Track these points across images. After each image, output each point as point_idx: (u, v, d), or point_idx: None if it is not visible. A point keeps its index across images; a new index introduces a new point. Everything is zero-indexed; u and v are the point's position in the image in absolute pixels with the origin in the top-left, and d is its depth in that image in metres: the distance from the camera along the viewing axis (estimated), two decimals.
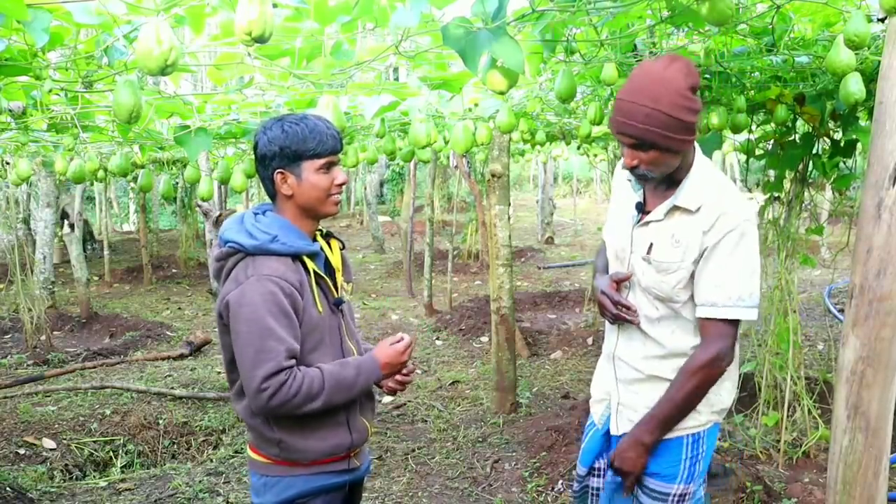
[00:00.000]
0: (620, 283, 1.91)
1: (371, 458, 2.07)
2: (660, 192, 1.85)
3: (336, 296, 1.88)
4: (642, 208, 1.88)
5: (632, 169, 1.75)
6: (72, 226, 7.78)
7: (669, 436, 1.86)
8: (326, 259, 1.88)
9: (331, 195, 1.81)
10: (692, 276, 1.79)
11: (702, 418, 1.89)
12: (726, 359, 1.80)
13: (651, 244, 1.82)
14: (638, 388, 1.92)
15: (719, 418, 1.94)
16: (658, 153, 1.70)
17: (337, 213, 1.88)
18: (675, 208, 1.79)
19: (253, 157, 1.85)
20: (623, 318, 1.87)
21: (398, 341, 1.91)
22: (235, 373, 1.81)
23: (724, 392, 1.92)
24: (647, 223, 1.84)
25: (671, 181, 1.81)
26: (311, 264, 1.80)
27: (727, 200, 1.76)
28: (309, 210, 1.82)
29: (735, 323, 1.78)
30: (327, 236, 1.95)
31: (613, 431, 1.99)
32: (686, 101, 1.65)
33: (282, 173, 1.78)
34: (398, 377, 1.94)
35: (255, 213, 1.83)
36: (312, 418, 1.78)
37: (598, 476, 2.02)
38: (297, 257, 1.78)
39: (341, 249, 1.98)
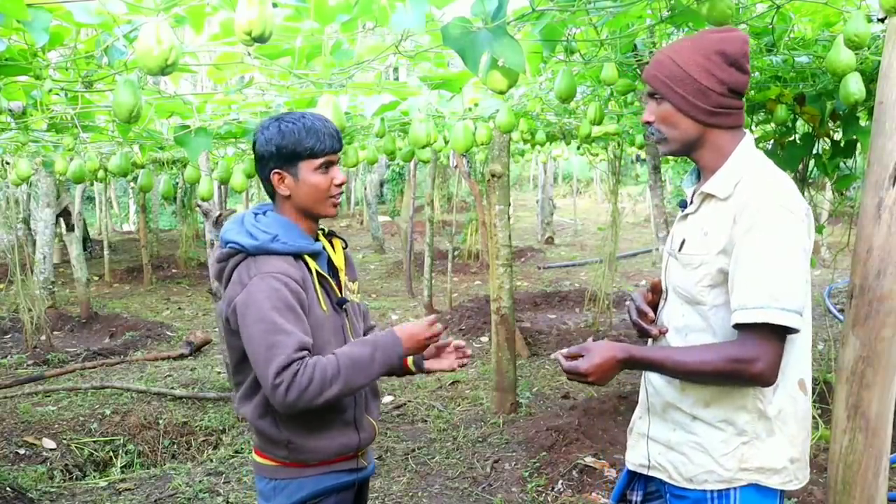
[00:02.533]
0: (654, 291, 1.79)
1: (374, 460, 2.06)
2: (701, 185, 1.71)
3: (339, 295, 1.86)
4: (686, 205, 1.74)
5: (647, 126, 1.68)
6: (71, 226, 7.77)
7: (690, 486, 1.66)
8: (329, 259, 1.86)
9: (330, 196, 1.79)
10: (722, 274, 1.58)
11: (725, 472, 1.61)
12: (761, 368, 1.49)
13: (683, 240, 1.68)
14: (667, 419, 1.71)
15: (762, 479, 1.61)
16: (671, 110, 1.61)
17: (336, 214, 1.86)
18: (706, 196, 1.64)
19: (253, 156, 1.85)
20: (641, 326, 1.74)
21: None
22: (240, 375, 1.80)
23: (768, 447, 1.60)
24: (686, 216, 1.72)
25: (711, 172, 1.66)
26: (312, 263, 1.78)
27: (760, 187, 1.55)
28: (307, 211, 1.80)
29: (773, 330, 1.49)
30: (329, 235, 1.93)
31: (640, 466, 1.79)
32: (707, 63, 1.56)
33: (279, 173, 1.76)
34: (459, 356, 1.90)
35: (256, 214, 1.82)
36: (321, 418, 1.77)
37: None
38: (298, 256, 1.76)
39: (344, 249, 1.96)
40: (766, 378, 1.52)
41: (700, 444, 1.64)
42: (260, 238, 1.73)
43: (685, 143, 1.65)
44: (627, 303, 1.79)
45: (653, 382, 1.75)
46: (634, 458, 1.82)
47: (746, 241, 1.52)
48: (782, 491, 1.65)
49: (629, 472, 1.86)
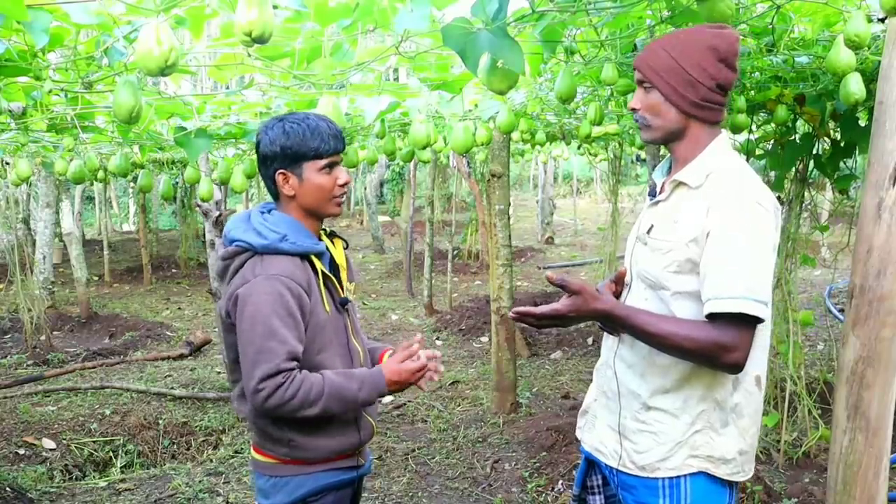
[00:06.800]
0: (618, 282, 1.82)
1: (371, 458, 2.07)
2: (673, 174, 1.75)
3: (342, 295, 1.88)
4: (655, 194, 1.78)
5: (632, 112, 1.72)
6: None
7: (645, 475, 1.69)
8: (331, 258, 1.88)
9: (333, 196, 1.81)
10: (690, 263, 1.60)
11: (676, 459, 1.64)
12: (738, 357, 1.52)
13: (652, 225, 1.72)
14: (624, 406, 1.73)
15: (711, 468, 1.65)
16: (659, 99, 1.64)
17: (339, 213, 1.87)
18: (679, 185, 1.68)
19: (255, 156, 1.85)
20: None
21: (409, 356, 1.88)
22: (238, 373, 1.81)
23: (721, 437, 1.65)
24: (657, 203, 1.75)
25: (685, 163, 1.70)
26: (318, 264, 1.80)
27: (733, 182, 1.59)
28: (311, 211, 1.82)
29: (747, 321, 1.52)
30: (331, 235, 1.95)
31: (594, 450, 1.82)
32: (699, 57, 1.59)
33: (283, 174, 1.77)
34: (432, 367, 1.93)
35: (262, 212, 1.82)
36: (322, 418, 1.78)
37: (595, 494, 1.90)
38: (304, 257, 1.77)
39: (344, 249, 1.98)
40: (739, 367, 1.55)
41: (654, 432, 1.67)
42: (269, 237, 1.74)
43: (668, 133, 1.69)
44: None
45: (615, 367, 1.77)
46: (590, 440, 1.85)
47: (721, 233, 1.55)
48: (731, 484, 1.69)
49: (587, 460, 1.88)
